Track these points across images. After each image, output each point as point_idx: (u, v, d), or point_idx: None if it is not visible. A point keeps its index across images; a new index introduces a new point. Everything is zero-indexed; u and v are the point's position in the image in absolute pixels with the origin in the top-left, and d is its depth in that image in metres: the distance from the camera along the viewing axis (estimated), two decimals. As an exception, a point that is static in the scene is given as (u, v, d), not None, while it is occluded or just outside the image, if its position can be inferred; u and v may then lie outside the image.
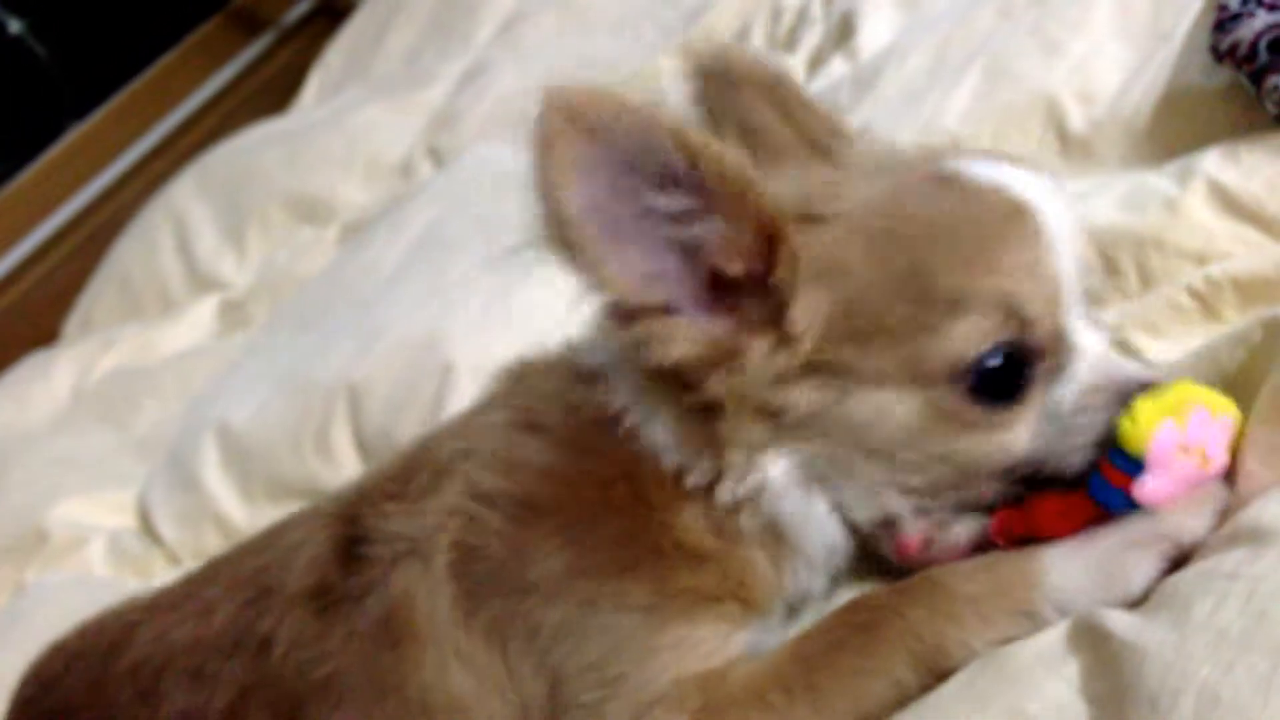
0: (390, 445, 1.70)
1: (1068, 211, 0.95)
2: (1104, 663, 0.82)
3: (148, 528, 1.96)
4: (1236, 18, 1.26)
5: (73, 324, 2.89)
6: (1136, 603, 0.87)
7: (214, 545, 1.83)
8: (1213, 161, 1.19)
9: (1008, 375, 0.92)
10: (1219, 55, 1.27)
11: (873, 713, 0.92)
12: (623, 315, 0.94)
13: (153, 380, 2.39)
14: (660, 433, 1.00)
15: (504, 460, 1.05)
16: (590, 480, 1.02)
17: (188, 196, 2.86)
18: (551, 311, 1.70)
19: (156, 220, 2.88)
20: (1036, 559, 0.92)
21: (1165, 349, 1.12)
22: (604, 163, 0.89)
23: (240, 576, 1.15)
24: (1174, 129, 1.29)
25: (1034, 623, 0.90)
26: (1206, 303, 1.13)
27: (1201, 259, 1.15)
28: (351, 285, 2.11)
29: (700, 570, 1.00)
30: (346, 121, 2.77)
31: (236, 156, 2.89)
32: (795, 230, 0.93)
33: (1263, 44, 1.21)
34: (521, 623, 1.00)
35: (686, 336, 0.93)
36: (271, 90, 3.68)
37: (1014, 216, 0.93)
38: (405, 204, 2.26)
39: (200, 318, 2.62)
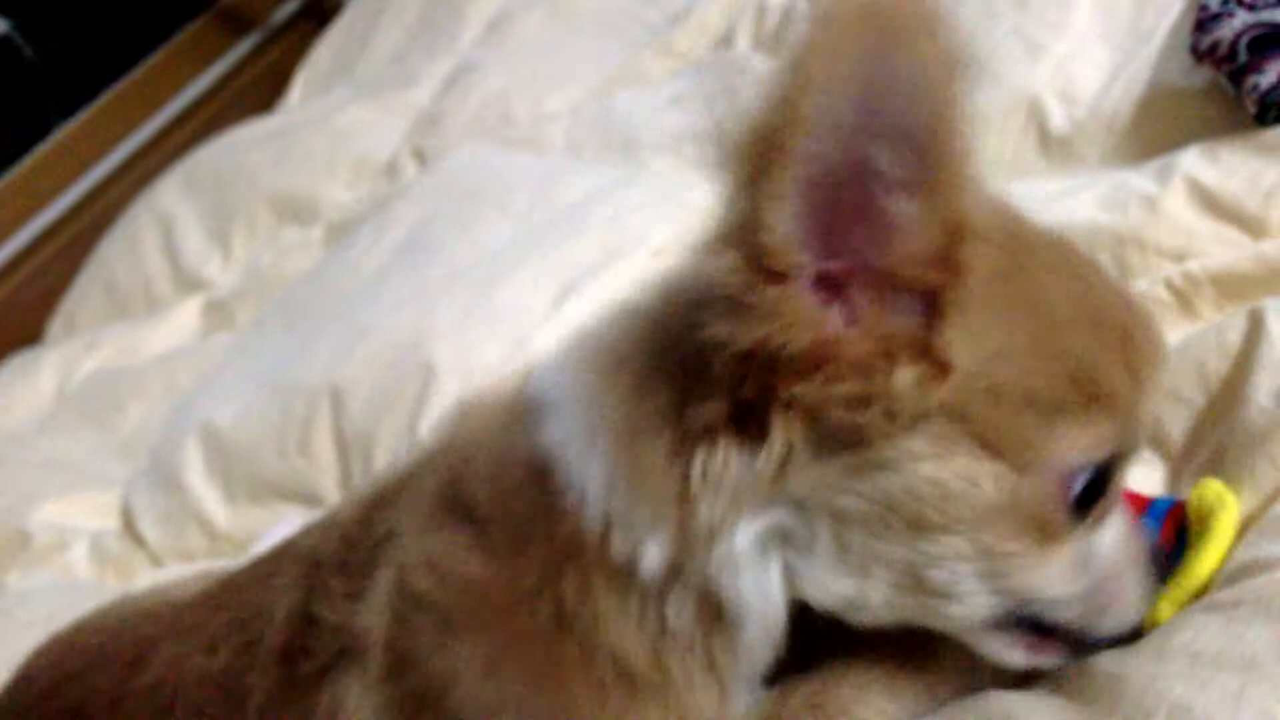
0: (371, 446, 1.71)
1: None
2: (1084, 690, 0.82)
3: (130, 529, 1.96)
4: (1216, 18, 1.27)
5: (57, 324, 2.88)
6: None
7: (197, 546, 1.83)
8: (1192, 160, 1.19)
9: (1094, 489, 0.81)
10: (1199, 55, 1.27)
11: None
12: (749, 267, 0.72)
13: (137, 381, 2.38)
14: (596, 464, 0.83)
15: (429, 562, 0.93)
16: (515, 592, 0.87)
17: (173, 196, 2.85)
18: (533, 313, 1.73)
19: (142, 220, 2.87)
20: None
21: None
22: (872, 80, 0.68)
23: (242, 614, 1.11)
24: (1154, 128, 1.29)
25: None
26: (1184, 298, 1.13)
27: (1181, 257, 1.16)
28: (336, 286, 2.11)
29: (639, 704, 0.86)
30: (332, 121, 2.76)
31: (222, 156, 2.89)
32: (979, 243, 0.75)
33: (1242, 44, 1.22)
34: None
35: (816, 317, 0.73)
36: (258, 89, 3.67)
37: (1160, 337, 0.85)
38: (390, 205, 2.26)
39: (185, 318, 2.62)
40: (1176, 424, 1.02)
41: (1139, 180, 1.21)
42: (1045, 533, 0.80)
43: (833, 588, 0.83)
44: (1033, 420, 0.77)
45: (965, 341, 0.75)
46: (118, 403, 2.34)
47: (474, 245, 1.89)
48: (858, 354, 0.74)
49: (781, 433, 0.77)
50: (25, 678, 1.28)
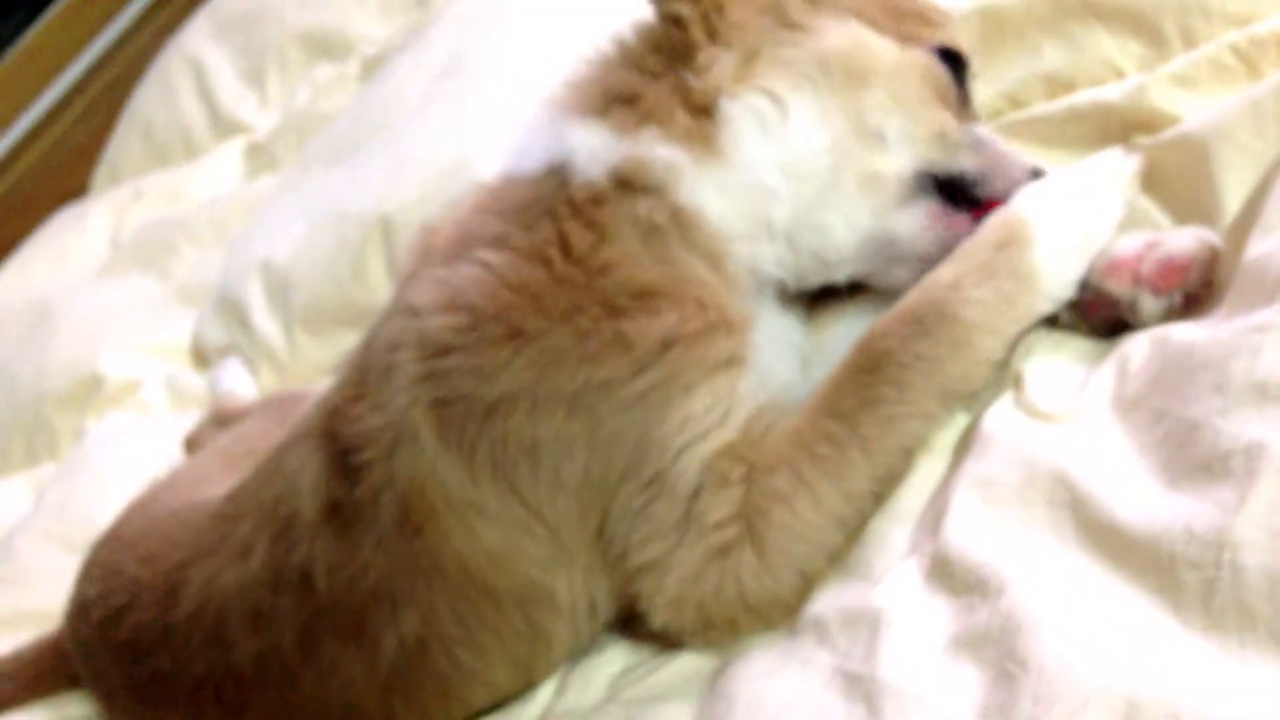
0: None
1: None
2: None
3: (204, 366, 2.00)
4: None
5: (100, 176, 2.90)
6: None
7: (267, 382, 1.86)
8: (1257, -77, 1.15)
9: (957, 73, 1.10)
10: None
11: (914, 446, 1.01)
12: None
13: (187, 227, 2.41)
14: (598, 136, 1.05)
15: (444, 300, 1.03)
16: (522, 265, 1.02)
17: (202, 41, 2.83)
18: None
19: (173, 67, 2.86)
20: (1027, 255, 0.98)
21: (1200, 104, 1.10)
22: None
23: (263, 510, 1.14)
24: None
25: (1034, 318, 1.00)
26: (1250, 61, 1.10)
27: (1245, 22, 1.13)
28: (378, 117, 2.10)
29: (660, 312, 1.00)
30: (357, -48, 2.71)
31: (247, -4, 2.85)
32: None
33: None
34: (515, 446, 1.00)
35: None
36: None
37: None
38: (425, 32, 2.23)
39: (226, 162, 2.63)
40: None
41: (1202, -55, 1.18)
42: (941, 95, 1.08)
43: (810, 142, 1.05)
44: (899, 19, 1.08)
45: None
46: (171, 249, 2.36)
47: (514, 64, 1.86)
48: None
49: (737, 30, 1.05)
50: (81, 604, 1.30)
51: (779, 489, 0.98)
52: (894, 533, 0.99)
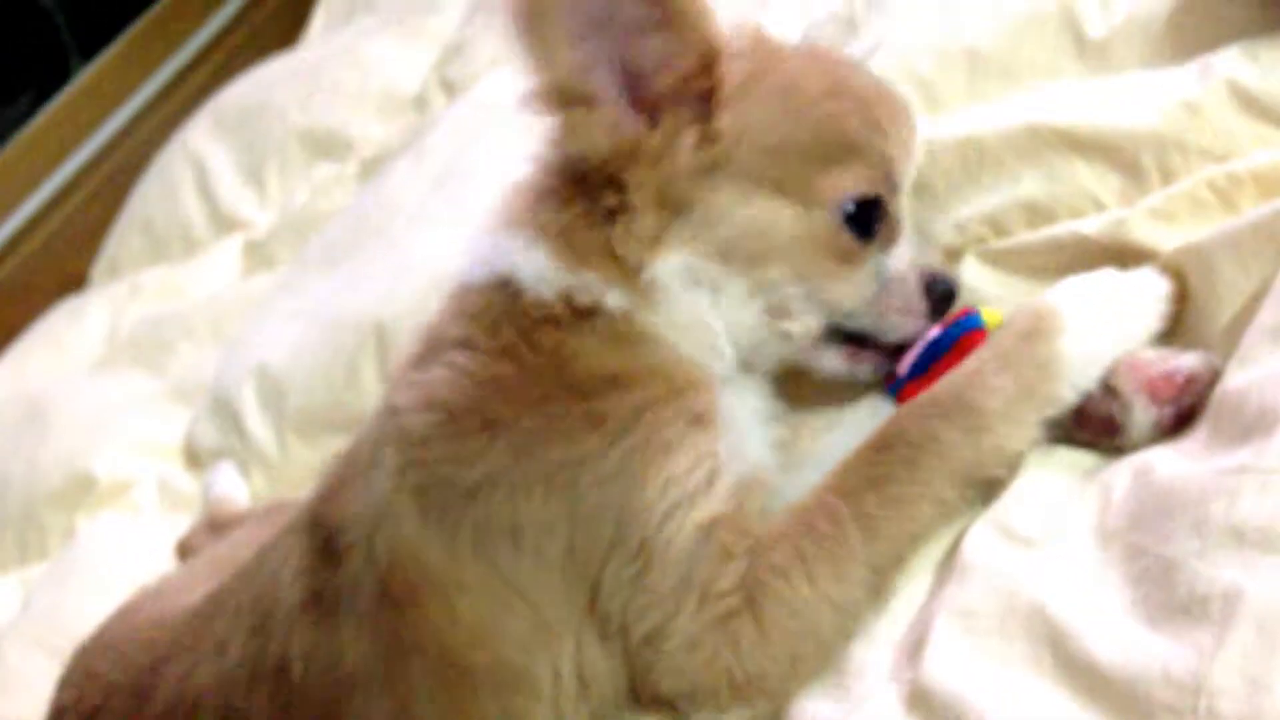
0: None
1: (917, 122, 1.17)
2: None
3: (197, 469, 2.00)
4: (1253, -88, 1.25)
5: (100, 268, 2.92)
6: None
7: (260, 489, 1.87)
8: (1232, 61, 1.19)
9: (868, 219, 1.11)
10: (1236, -48, 1.25)
11: (921, 533, 1.02)
12: (555, 100, 1.05)
13: (184, 324, 2.42)
14: (541, 263, 1.09)
15: (421, 399, 1.08)
16: (490, 363, 1.07)
17: (204, 137, 2.87)
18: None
19: (175, 162, 2.89)
20: (1053, 345, 1.01)
21: (1179, 239, 1.12)
22: (572, 22, 1.02)
23: (243, 606, 1.15)
24: (1192, 30, 1.28)
25: (1058, 409, 1.01)
26: (1226, 197, 1.13)
27: (1223, 159, 1.15)
28: (375, 222, 2.12)
29: (630, 389, 1.05)
30: (357, 54, 2.77)
31: (250, 94, 2.89)
32: (730, 58, 1.08)
33: (1280, -62, 1.20)
34: (497, 527, 1.03)
35: (615, 126, 1.06)
36: (279, 21, 3.67)
37: (900, 104, 1.15)
38: (424, 137, 2.27)
39: (225, 259, 2.65)
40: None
41: (1178, 83, 1.21)
42: (843, 257, 1.11)
43: (731, 315, 1.11)
44: (804, 170, 1.09)
45: (732, 119, 1.07)
46: (167, 346, 2.37)
47: (512, 173, 1.89)
48: (659, 144, 1.07)
49: (642, 206, 1.07)
50: (58, 711, 1.30)
51: (777, 563, 1.00)
52: (873, 656, 1.00)
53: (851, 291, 1.13)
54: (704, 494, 1.02)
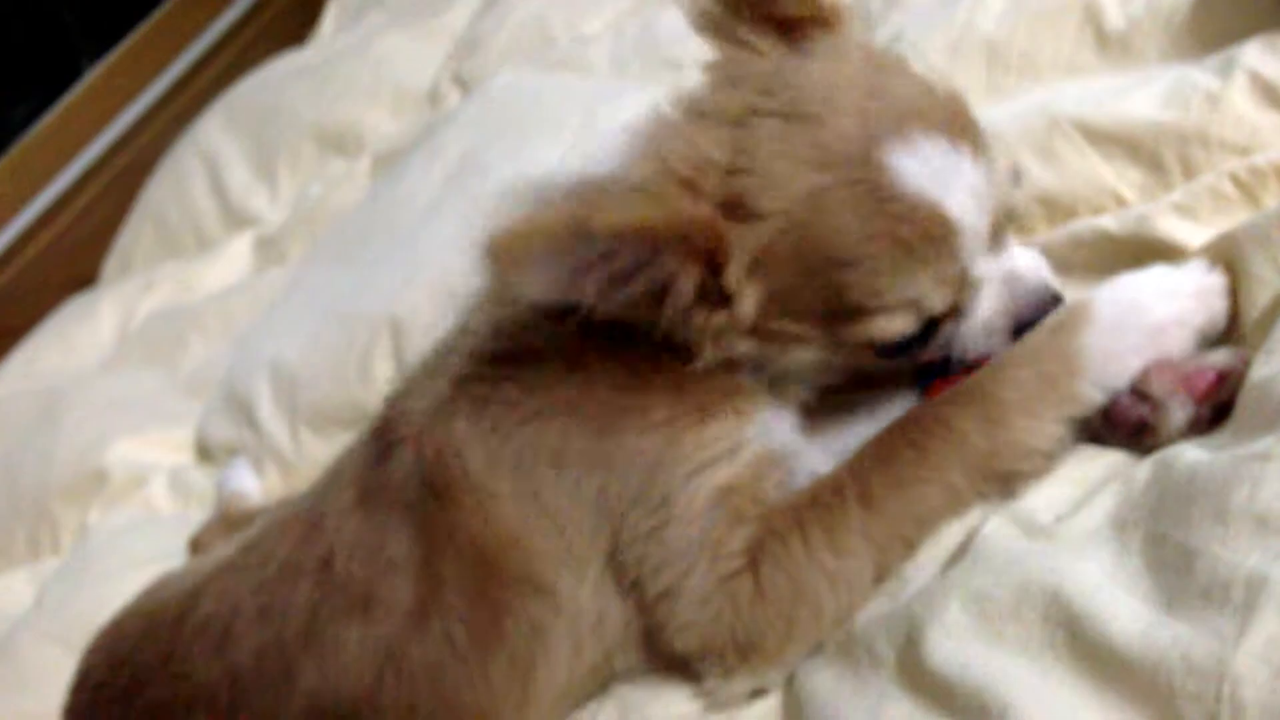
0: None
1: (979, 173, 1.01)
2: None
3: (209, 463, 2.00)
4: (1273, -95, 1.24)
5: (111, 265, 2.92)
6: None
7: (273, 483, 1.87)
8: (1254, 54, 1.18)
9: (913, 339, 1.04)
10: (1256, -55, 1.25)
11: (927, 517, 1.01)
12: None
13: (196, 319, 2.42)
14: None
15: (497, 326, 1.13)
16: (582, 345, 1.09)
17: (216, 134, 2.87)
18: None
19: (187, 159, 2.89)
20: (1076, 342, 0.98)
21: (1201, 233, 1.12)
22: (551, 274, 0.95)
23: (294, 520, 1.19)
24: (1213, 22, 1.28)
25: (1082, 407, 0.99)
26: (1249, 190, 1.13)
27: (1245, 152, 1.15)
28: (389, 217, 2.12)
29: (705, 386, 1.07)
30: (369, 50, 2.76)
31: (262, 91, 2.89)
32: (731, 228, 0.99)
33: (1301, -69, 1.20)
34: (544, 451, 1.07)
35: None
36: (288, 19, 3.67)
37: (926, 230, 0.99)
38: (437, 133, 2.26)
39: (237, 255, 2.65)
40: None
41: (1200, 76, 1.20)
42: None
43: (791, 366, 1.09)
44: (824, 326, 1.03)
45: (749, 296, 1.01)
46: (179, 341, 2.38)
47: (525, 169, 1.90)
48: (701, 323, 1.02)
49: (710, 336, 1.04)
50: (82, 674, 1.30)
51: (777, 527, 1.03)
52: (882, 635, 0.99)
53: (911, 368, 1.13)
54: (727, 460, 1.05)
